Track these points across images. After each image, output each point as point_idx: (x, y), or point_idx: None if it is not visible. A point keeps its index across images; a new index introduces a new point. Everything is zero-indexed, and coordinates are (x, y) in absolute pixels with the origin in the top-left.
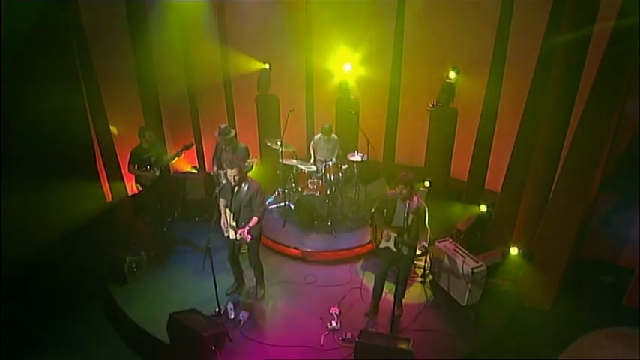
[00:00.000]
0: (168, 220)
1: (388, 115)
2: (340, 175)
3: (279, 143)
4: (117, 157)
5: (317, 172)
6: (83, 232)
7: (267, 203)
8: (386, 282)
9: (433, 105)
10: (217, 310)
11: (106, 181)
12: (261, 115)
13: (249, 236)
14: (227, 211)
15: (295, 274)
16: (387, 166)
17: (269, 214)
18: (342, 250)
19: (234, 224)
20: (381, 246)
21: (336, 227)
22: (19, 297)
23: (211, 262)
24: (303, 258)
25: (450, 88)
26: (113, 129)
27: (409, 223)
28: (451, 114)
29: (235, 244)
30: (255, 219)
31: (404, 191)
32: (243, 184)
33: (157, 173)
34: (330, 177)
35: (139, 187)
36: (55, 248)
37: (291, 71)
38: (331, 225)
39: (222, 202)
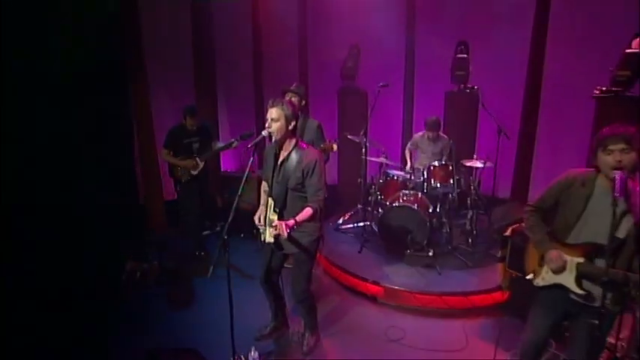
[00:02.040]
0: (206, 232)
1: (523, 116)
2: (452, 183)
3: (362, 134)
4: (155, 149)
5: (415, 178)
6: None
7: (340, 222)
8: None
9: (602, 90)
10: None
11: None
12: (342, 108)
13: (286, 232)
14: (269, 199)
15: (371, 324)
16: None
17: (343, 237)
18: (450, 294)
19: (274, 218)
20: (542, 283)
21: (440, 261)
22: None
23: (228, 270)
24: (385, 300)
25: (636, 61)
26: None
27: (622, 236)
28: (634, 102)
29: (274, 257)
30: (308, 210)
31: (624, 158)
32: (293, 152)
33: (200, 165)
34: (437, 186)
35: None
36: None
37: (386, 56)
38: (434, 256)
39: (263, 185)
